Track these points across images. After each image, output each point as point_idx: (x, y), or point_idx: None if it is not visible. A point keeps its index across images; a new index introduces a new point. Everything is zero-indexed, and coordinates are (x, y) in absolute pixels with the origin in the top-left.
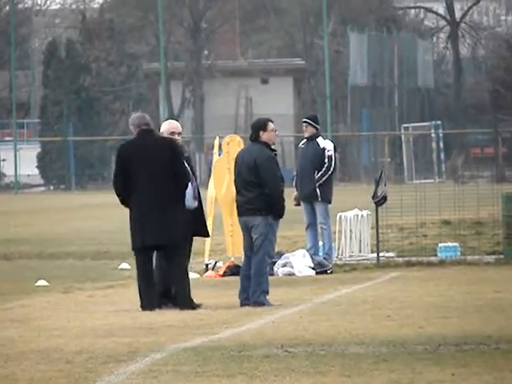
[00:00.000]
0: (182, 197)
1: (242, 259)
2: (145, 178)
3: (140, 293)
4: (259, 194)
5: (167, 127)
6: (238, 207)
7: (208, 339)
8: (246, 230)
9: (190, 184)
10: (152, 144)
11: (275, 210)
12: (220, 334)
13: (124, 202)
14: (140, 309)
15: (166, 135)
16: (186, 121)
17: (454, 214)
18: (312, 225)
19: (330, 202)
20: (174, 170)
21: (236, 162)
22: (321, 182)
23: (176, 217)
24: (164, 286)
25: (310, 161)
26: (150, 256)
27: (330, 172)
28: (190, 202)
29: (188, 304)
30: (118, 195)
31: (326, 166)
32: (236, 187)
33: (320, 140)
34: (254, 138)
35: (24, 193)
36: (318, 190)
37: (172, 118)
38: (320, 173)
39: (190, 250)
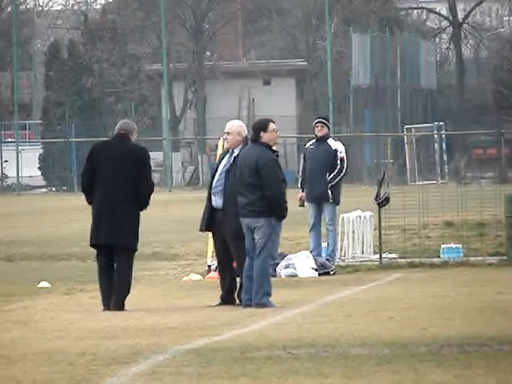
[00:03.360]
0: (139, 202)
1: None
2: (106, 177)
3: (101, 291)
4: (261, 195)
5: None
6: (240, 208)
7: (211, 341)
8: (249, 231)
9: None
10: (121, 147)
11: (277, 212)
12: (222, 336)
13: (88, 199)
14: (102, 308)
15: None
16: (188, 122)
17: (457, 216)
18: (316, 226)
19: (338, 204)
20: (137, 176)
21: (237, 163)
22: (333, 183)
23: (128, 220)
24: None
25: (321, 162)
26: (108, 254)
27: (342, 174)
28: (214, 201)
29: (120, 307)
30: (83, 190)
31: (338, 167)
32: (238, 189)
33: (331, 141)
34: (255, 138)
35: (26, 194)
36: (329, 192)
37: (175, 120)
38: (333, 174)
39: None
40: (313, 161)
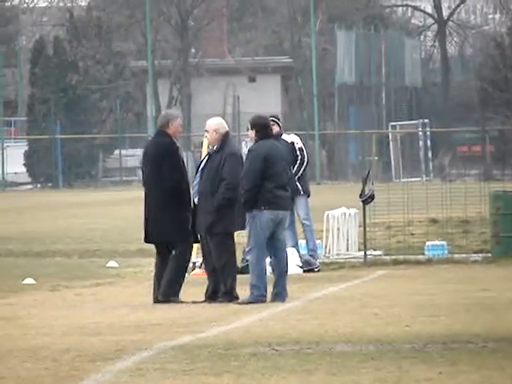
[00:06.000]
0: (166, 197)
1: (259, 254)
2: (143, 176)
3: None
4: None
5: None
6: (282, 200)
7: (195, 337)
8: (275, 224)
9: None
10: (151, 144)
11: None
12: (207, 333)
13: None
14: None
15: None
16: None
17: (442, 213)
18: (291, 224)
19: (309, 195)
20: (160, 171)
21: (269, 159)
22: (299, 175)
23: (161, 217)
24: (213, 284)
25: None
26: (160, 251)
27: (305, 164)
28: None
29: (165, 298)
30: None
31: (299, 158)
32: (277, 183)
33: (285, 136)
34: (270, 134)
35: (11, 191)
36: (298, 184)
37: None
38: (296, 166)
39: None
40: None
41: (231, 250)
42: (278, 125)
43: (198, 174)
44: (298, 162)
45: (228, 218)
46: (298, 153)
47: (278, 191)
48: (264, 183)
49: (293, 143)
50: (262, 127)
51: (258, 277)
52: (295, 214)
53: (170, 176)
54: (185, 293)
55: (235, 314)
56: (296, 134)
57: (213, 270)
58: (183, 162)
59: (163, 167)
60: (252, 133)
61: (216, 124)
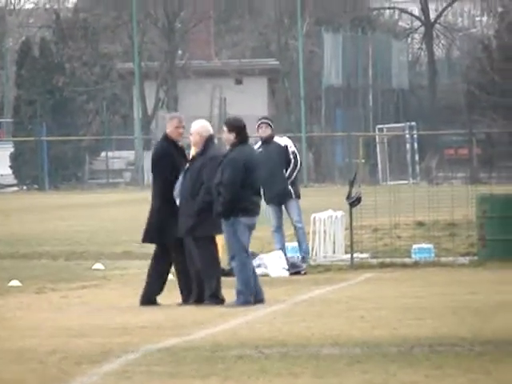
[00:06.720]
0: (155, 199)
1: (244, 260)
2: None
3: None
4: None
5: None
6: (256, 207)
7: (182, 340)
8: (249, 230)
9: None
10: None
11: None
12: (194, 335)
13: None
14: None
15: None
16: (159, 121)
17: (428, 216)
18: (280, 227)
19: (300, 197)
20: (153, 173)
21: (249, 167)
22: (292, 178)
23: (150, 217)
24: (199, 287)
25: (277, 161)
26: (156, 252)
27: (298, 167)
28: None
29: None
30: None
31: (292, 162)
32: (254, 190)
33: (277, 139)
34: (248, 137)
35: None
36: (291, 188)
37: (146, 119)
38: (289, 170)
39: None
40: (267, 161)
41: (214, 253)
42: (271, 127)
43: (181, 176)
44: (292, 166)
45: (209, 222)
46: (292, 157)
47: (254, 198)
48: (242, 191)
49: (286, 146)
50: (241, 130)
51: (244, 282)
52: (283, 217)
53: (156, 179)
54: (171, 295)
55: (221, 316)
56: (288, 137)
57: (197, 272)
58: (183, 164)
59: (154, 170)
60: (229, 135)
61: (199, 127)
